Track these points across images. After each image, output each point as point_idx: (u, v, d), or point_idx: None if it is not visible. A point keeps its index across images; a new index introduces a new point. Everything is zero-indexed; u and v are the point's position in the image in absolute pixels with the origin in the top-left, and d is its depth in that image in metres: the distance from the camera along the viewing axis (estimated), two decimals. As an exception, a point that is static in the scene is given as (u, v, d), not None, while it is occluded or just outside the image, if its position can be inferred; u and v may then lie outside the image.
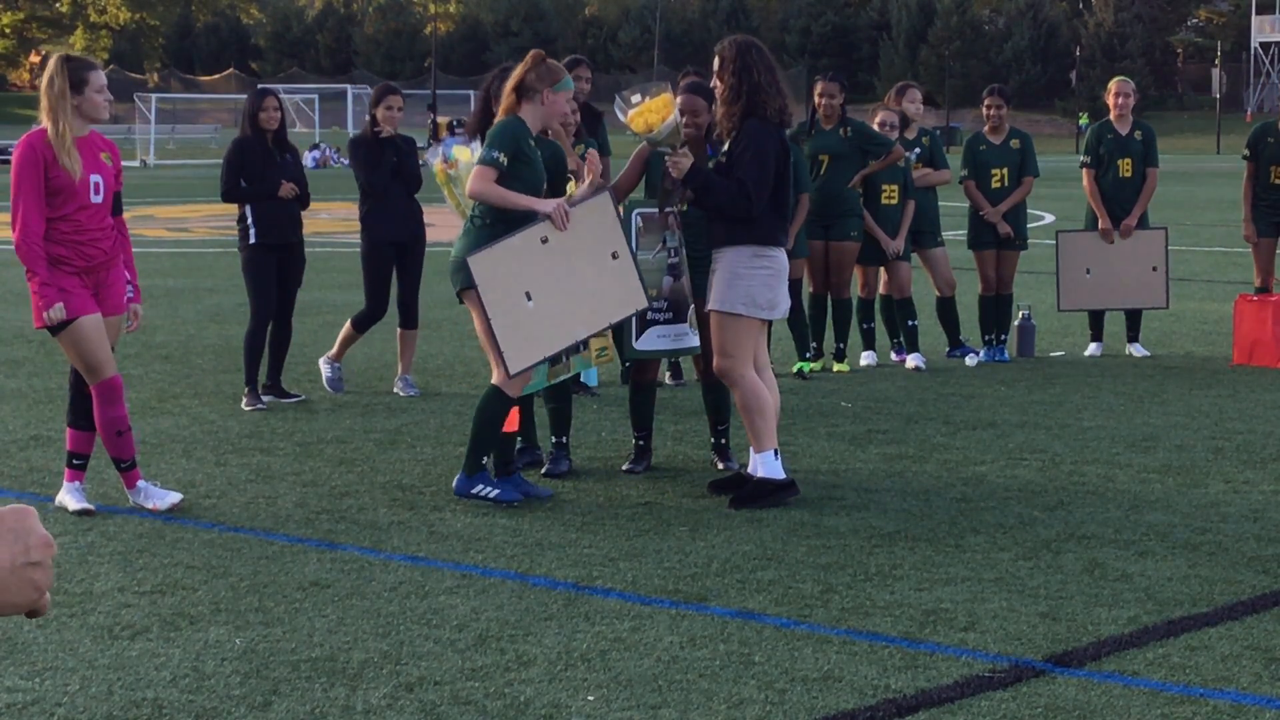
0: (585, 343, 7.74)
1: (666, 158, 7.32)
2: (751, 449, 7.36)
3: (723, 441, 8.19)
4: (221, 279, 17.86)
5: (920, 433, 9.08)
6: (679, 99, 7.65)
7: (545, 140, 8.11)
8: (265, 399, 10.01)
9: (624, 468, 8.03)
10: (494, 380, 7.35)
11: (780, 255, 7.33)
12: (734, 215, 7.20)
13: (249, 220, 10.02)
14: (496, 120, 7.44)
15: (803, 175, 10.42)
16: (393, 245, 10.33)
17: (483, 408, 7.34)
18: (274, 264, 10.04)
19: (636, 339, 7.69)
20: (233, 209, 10.40)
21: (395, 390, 10.50)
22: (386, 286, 10.38)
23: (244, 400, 9.92)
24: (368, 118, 10.34)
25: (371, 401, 10.19)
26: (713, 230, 7.39)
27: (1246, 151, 12.45)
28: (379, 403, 10.15)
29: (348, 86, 73.12)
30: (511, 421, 7.50)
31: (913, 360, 11.64)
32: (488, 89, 7.99)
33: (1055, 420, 9.47)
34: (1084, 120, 75.05)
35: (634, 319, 7.56)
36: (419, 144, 11.10)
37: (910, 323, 11.76)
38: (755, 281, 7.24)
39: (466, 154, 7.86)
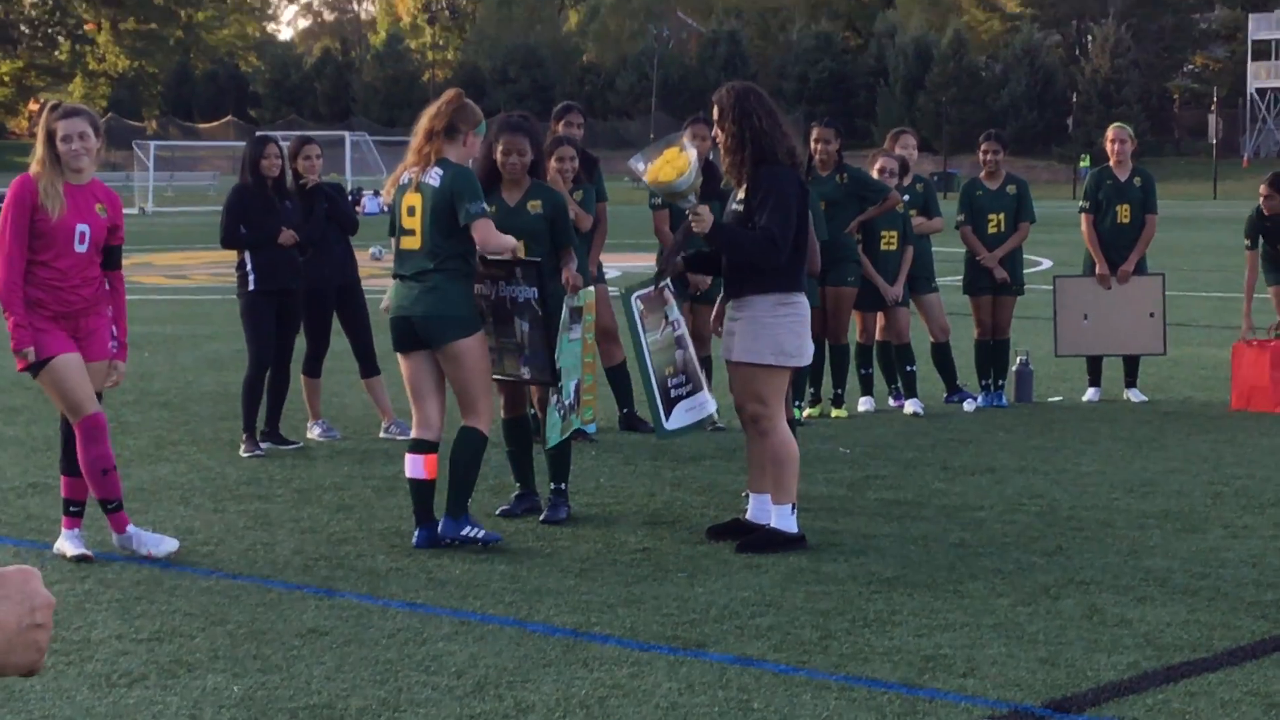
0: (578, 403, 7.78)
1: (688, 214, 7.36)
2: (769, 498, 7.38)
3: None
4: (220, 325, 17.89)
5: (919, 478, 9.08)
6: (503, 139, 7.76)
7: (546, 188, 8.15)
8: (263, 446, 10.02)
9: (496, 511, 8.02)
10: (469, 423, 7.42)
11: (803, 301, 7.37)
12: (763, 264, 7.22)
13: (249, 267, 10.06)
14: (421, 158, 7.41)
15: (818, 221, 10.48)
16: (334, 290, 10.45)
17: (463, 450, 7.39)
18: (273, 310, 10.08)
19: (667, 419, 7.66)
20: (231, 255, 10.45)
21: (389, 435, 10.50)
22: (328, 327, 10.57)
23: (242, 447, 9.93)
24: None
25: (369, 448, 10.20)
26: (732, 279, 7.38)
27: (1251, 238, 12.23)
28: (376, 449, 10.16)
29: (346, 133, 73.32)
30: (430, 469, 7.50)
31: (911, 406, 11.66)
32: (489, 139, 8.01)
33: (1054, 465, 9.48)
34: (1085, 163, 75.29)
35: (659, 399, 7.57)
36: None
37: (908, 368, 11.79)
38: (782, 330, 7.27)
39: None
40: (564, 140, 9.80)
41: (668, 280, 7.61)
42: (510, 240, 7.39)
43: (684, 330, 7.76)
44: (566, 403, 7.76)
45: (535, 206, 7.99)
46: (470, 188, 7.29)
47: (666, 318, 7.64)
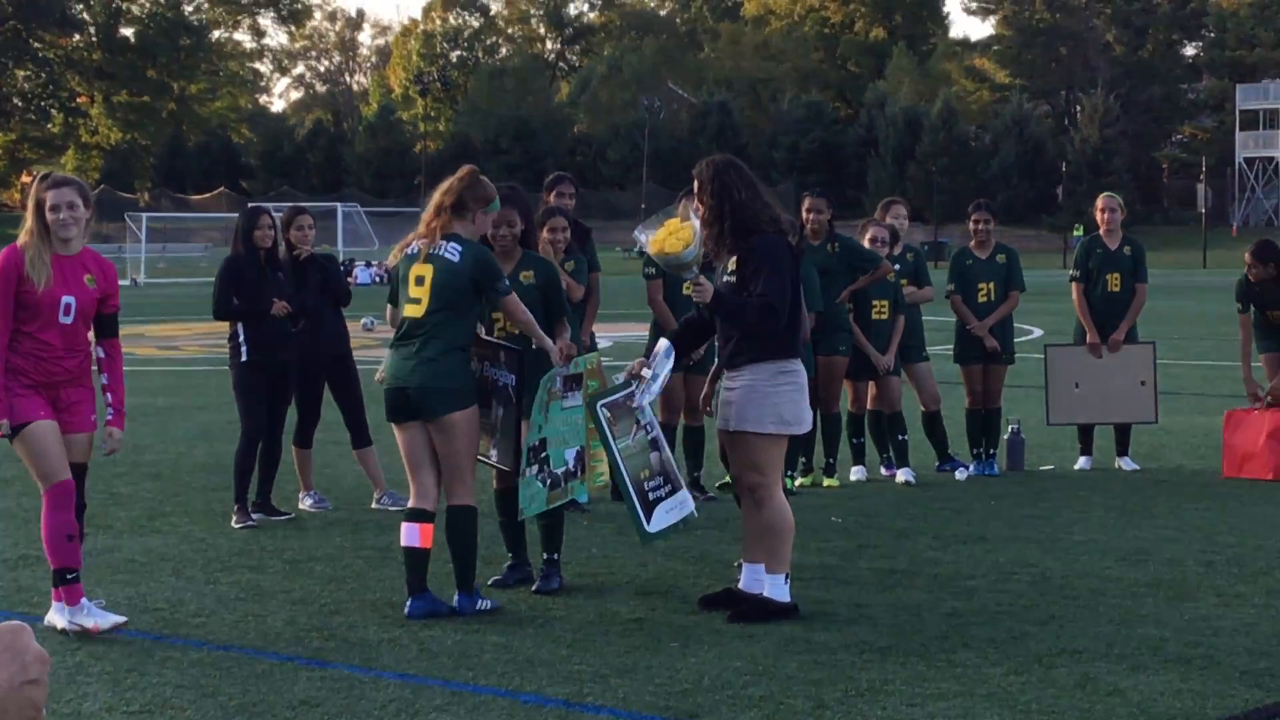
0: (582, 470, 7.80)
1: (690, 285, 7.44)
2: (763, 567, 7.38)
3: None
4: (211, 396, 17.90)
5: (911, 547, 9.09)
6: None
7: (539, 258, 8.21)
8: (255, 517, 10.02)
9: (489, 581, 8.03)
10: (458, 501, 7.48)
11: (801, 369, 7.41)
12: (763, 330, 7.27)
13: (241, 338, 10.09)
14: (429, 231, 7.50)
15: (812, 291, 10.54)
16: (326, 360, 10.47)
17: (459, 529, 7.44)
18: (266, 382, 10.10)
19: (648, 522, 7.65)
20: (223, 327, 10.48)
21: (381, 506, 10.51)
22: (319, 398, 10.61)
23: (234, 518, 9.93)
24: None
25: (361, 519, 10.20)
26: (729, 349, 7.39)
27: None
28: (368, 519, 10.15)
29: (338, 205, 73.65)
30: (426, 538, 7.52)
31: (903, 475, 11.67)
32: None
33: (1046, 534, 9.49)
34: (1078, 232, 75.68)
35: (637, 504, 7.57)
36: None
37: (900, 437, 11.81)
38: (781, 398, 7.30)
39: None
40: (556, 211, 9.87)
41: (634, 387, 7.60)
42: (531, 318, 7.52)
43: (658, 432, 7.77)
44: (559, 472, 7.77)
45: (527, 277, 8.04)
46: (495, 269, 7.45)
47: (638, 421, 7.64)
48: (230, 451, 10.65)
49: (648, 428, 7.68)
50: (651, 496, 7.63)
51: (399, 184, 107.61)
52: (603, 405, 7.56)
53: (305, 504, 10.58)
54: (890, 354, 11.76)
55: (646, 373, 7.58)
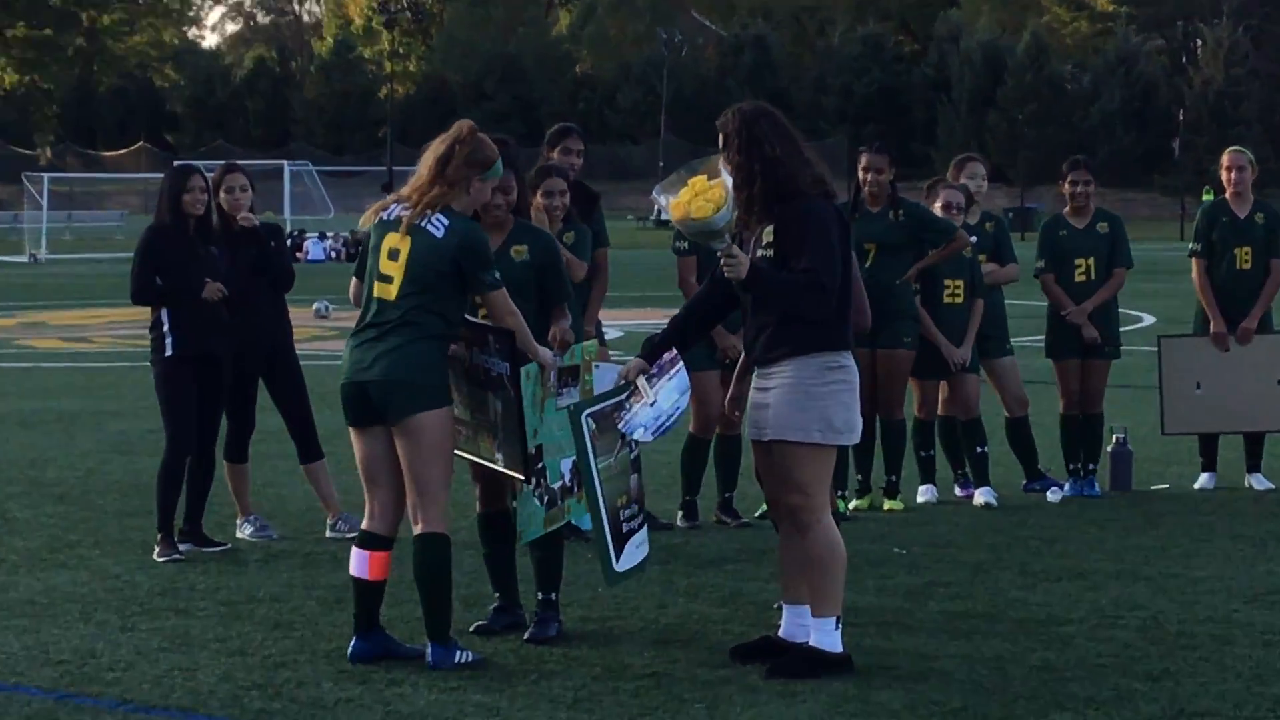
0: (577, 485, 7.79)
1: (720, 257, 7.38)
2: (808, 610, 7.37)
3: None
4: (129, 400, 17.93)
5: (991, 585, 9.09)
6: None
7: (535, 229, 8.20)
8: (183, 547, 10.04)
9: (471, 628, 8.06)
10: (427, 528, 7.44)
11: (852, 363, 7.40)
12: (809, 313, 7.25)
13: (166, 327, 10.10)
14: (420, 200, 7.47)
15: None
16: (259, 352, 10.43)
17: (427, 562, 7.42)
18: (195, 381, 10.11)
19: (617, 560, 7.63)
20: (144, 314, 10.49)
21: (337, 533, 10.50)
22: (252, 402, 10.61)
23: (157, 549, 9.95)
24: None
25: (313, 550, 10.21)
26: (762, 340, 7.39)
27: None
28: (322, 552, 10.16)
29: (284, 163, 73.64)
30: (377, 569, 7.53)
31: (982, 496, 11.67)
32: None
33: (1159, 570, 9.49)
34: (1208, 196, 75.44)
35: (609, 536, 7.56)
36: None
37: (978, 449, 11.80)
38: (829, 400, 7.28)
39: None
40: (553, 170, 9.78)
41: (625, 396, 7.58)
42: (520, 321, 7.49)
43: (638, 452, 7.77)
44: (555, 487, 7.77)
45: (520, 252, 8.03)
46: (484, 254, 7.41)
47: (623, 437, 7.63)
48: (152, 467, 10.66)
49: (631, 445, 7.67)
50: (625, 529, 7.64)
51: (359, 137, 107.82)
52: (589, 415, 7.54)
53: (244, 532, 10.60)
54: (966, 346, 11.74)
55: (645, 387, 7.53)
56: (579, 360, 7.91)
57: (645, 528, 7.80)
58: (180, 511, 10.19)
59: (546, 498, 7.74)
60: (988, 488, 11.75)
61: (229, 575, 9.48)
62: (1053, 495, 11.91)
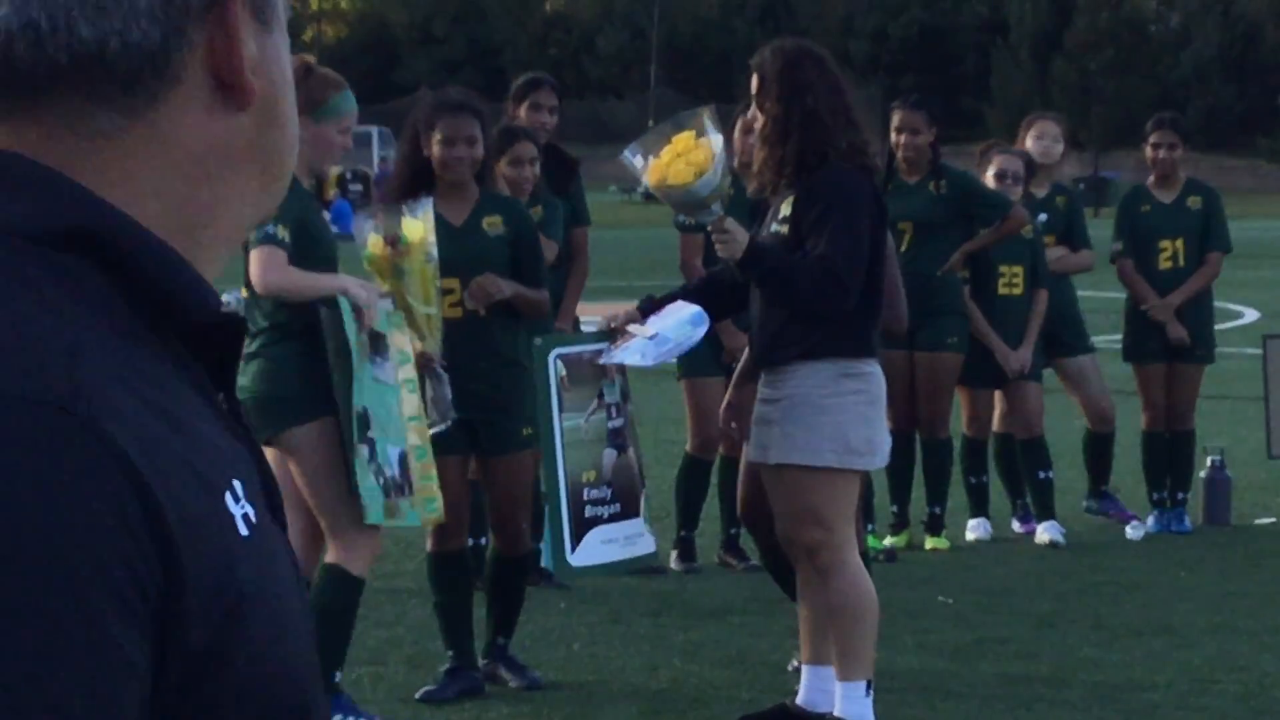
0: (409, 485, 7.77)
1: (711, 231, 7.38)
2: (832, 671, 7.39)
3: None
4: None
5: (1059, 642, 9.11)
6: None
7: (506, 199, 8.26)
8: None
9: (417, 694, 8.09)
10: (333, 560, 7.52)
11: (876, 370, 7.38)
12: (820, 310, 7.25)
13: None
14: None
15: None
16: None
17: (323, 598, 7.46)
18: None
19: (573, 549, 7.63)
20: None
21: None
22: None
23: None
24: None
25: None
26: (767, 339, 7.42)
27: None
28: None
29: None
30: None
31: (1047, 532, 11.66)
32: (416, 125, 8.11)
33: (1264, 623, 9.52)
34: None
35: (565, 515, 7.57)
36: None
37: (1041, 475, 11.79)
38: (847, 415, 7.27)
39: (419, 230, 7.83)
40: (521, 133, 9.78)
41: (613, 344, 7.57)
42: (320, 280, 7.46)
43: (625, 422, 7.76)
44: (387, 473, 7.72)
45: (493, 224, 8.09)
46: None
47: (601, 397, 7.63)
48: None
49: (612, 410, 7.67)
50: (589, 512, 7.63)
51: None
52: (558, 356, 7.57)
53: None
54: (1026, 349, 11.73)
55: (640, 330, 7.46)
56: (385, 329, 7.81)
57: (629, 523, 7.77)
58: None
59: (382, 480, 7.70)
60: (1053, 522, 11.74)
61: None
62: (1133, 531, 11.91)
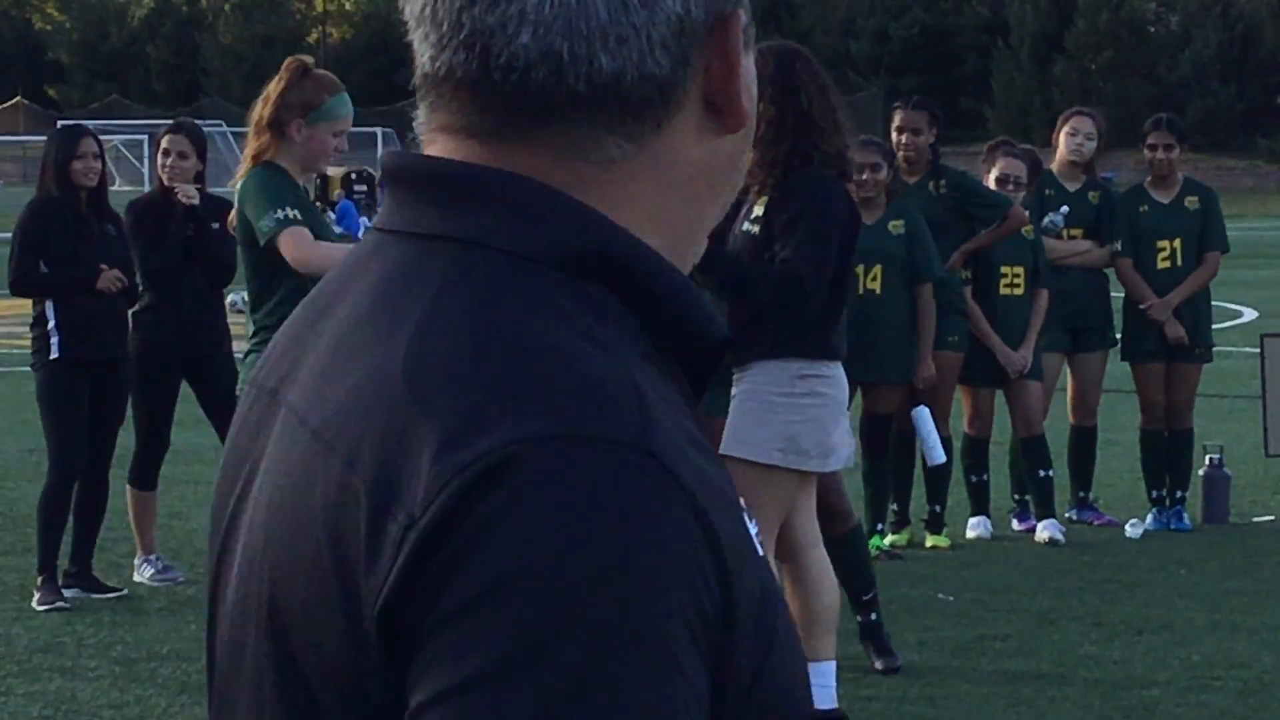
0: None
1: None
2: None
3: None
4: (5, 413, 17.91)
5: (1059, 640, 9.11)
6: None
7: None
8: (68, 594, 10.03)
9: None
10: None
11: (837, 372, 7.38)
12: (780, 314, 7.24)
13: (51, 324, 10.08)
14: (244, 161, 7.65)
15: (925, 250, 10.59)
16: (180, 358, 10.34)
17: None
18: (86, 390, 10.09)
19: None
20: (26, 306, 10.47)
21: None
22: (168, 411, 10.55)
23: (37, 595, 9.94)
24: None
25: (230, 596, 10.20)
26: (732, 333, 7.39)
27: None
28: (241, 598, 10.15)
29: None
30: None
31: (1047, 530, 11.66)
32: None
33: (1263, 620, 9.52)
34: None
35: None
36: None
37: (1042, 473, 11.78)
38: (799, 415, 7.28)
39: None
40: None
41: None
42: (317, 251, 7.48)
43: None
44: None
45: None
46: (258, 194, 7.45)
47: None
48: (31, 495, 10.66)
49: None
50: None
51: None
52: None
53: (144, 574, 10.59)
54: (1027, 348, 11.72)
55: None
56: None
57: None
58: (65, 550, 10.19)
59: None
60: (1052, 520, 11.74)
61: (125, 628, 9.48)
62: (1132, 529, 11.91)
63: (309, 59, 7.86)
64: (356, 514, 1.43)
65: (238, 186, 7.59)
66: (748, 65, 1.61)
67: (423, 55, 1.63)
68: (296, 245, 7.31)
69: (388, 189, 1.62)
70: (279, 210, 7.34)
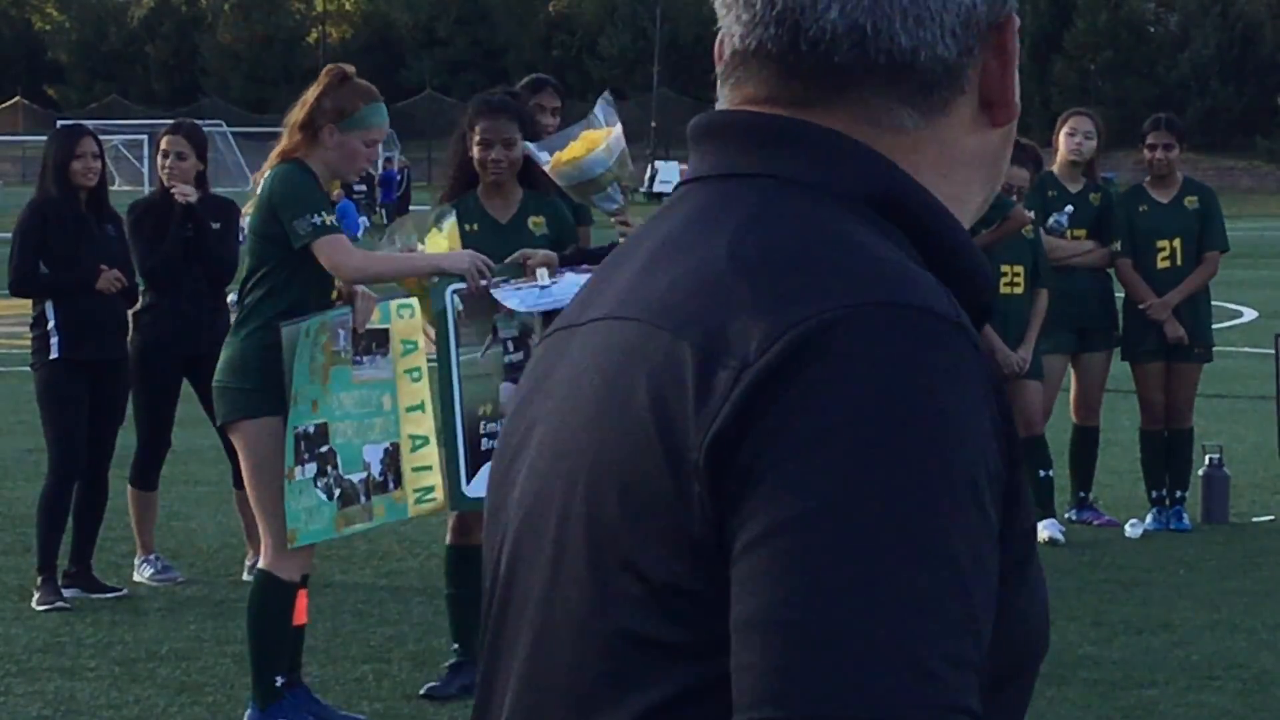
0: (397, 479, 7.79)
1: (615, 224, 7.46)
2: None
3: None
4: (3, 412, 17.91)
5: (1058, 639, 9.09)
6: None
7: (550, 200, 8.33)
8: (68, 593, 10.03)
9: (421, 690, 8.09)
10: (263, 562, 7.64)
11: None
12: None
13: (51, 324, 10.07)
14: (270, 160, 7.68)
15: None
16: (180, 357, 10.34)
17: (258, 604, 7.52)
18: (86, 390, 10.09)
19: (468, 481, 7.66)
20: (25, 306, 10.46)
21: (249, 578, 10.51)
22: (169, 410, 10.55)
23: (36, 595, 9.94)
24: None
25: (227, 597, 10.19)
26: None
27: None
28: (238, 599, 10.12)
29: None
30: (300, 612, 7.60)
31: (1045, 530, 11.65)
32: (464, 124, 8.22)
33: (1262, 620, 9.51)
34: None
35: (462, 449, 7.63)
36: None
37: (1041, 473, 11.78)
38: None
39: (442, 245, 7.87)
40: (545, 83, 10.13)
41: (507, 278, 7.62)
42: (421, 262, 7.53)
43: (526, 356, 7.78)
44: (354, 480, 7.68)
45: (538, 224, 8.23)
46: (294, 194, 7.47)
47: (496, 331, 7.66)
48: (30, 495, 10.65)
49: (508, 345, 7.70)
50: (485, 445, 7.65)
51: (284, 92, 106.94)
52: (453, 291, 7.64)
53: (143, 574, 10.59)
54: (1026, 348, 11.71)
55: (542, 276, 7.55)
56: (388, 322, 7.85)
57: None
58: (65, 550, 10.18)
59: (338, 490, 7.68)
60: (1052, 520, 11.73)
61: (125, 628, 9.48)
62: (1132, 529, 11.91)
63: (350, 67, 7.90)
64: (682, 371, 1.59)
65: (263, 178, 7.61)
66: (1014, 68, 1.76)
67: (733, 34, 1.76)
68: (336, 252, 7.42)
69: (693, 147, 1.80)
70: (316, 215, 7.42)
